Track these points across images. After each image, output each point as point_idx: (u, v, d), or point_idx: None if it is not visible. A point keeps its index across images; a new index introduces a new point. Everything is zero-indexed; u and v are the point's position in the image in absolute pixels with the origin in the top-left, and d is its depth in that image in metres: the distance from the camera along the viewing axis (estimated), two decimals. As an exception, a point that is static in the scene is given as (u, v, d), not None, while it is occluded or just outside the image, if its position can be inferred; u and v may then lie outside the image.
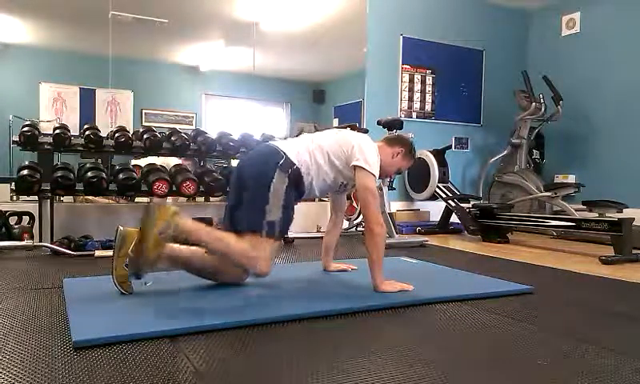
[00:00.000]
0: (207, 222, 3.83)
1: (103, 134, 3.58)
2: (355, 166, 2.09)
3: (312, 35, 5.57)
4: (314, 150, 2.11)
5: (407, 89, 5.36)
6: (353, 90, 5.43)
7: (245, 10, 5.21)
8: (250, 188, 2.00)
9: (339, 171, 2.14)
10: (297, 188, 2.06)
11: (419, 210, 5.26)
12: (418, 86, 5.43)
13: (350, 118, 5.23)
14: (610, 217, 3.50)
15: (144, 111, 4.98)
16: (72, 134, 3.39)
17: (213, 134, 3.83)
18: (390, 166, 2.28)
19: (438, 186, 4.81)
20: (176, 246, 1.98)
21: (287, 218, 2.01)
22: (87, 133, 3.41)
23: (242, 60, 5.37)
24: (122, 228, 1.91)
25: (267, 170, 1.99)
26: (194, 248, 1.99)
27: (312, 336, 1.57)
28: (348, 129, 2.53)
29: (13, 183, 3.31)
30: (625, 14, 5.01)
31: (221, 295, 1.96)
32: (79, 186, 3.21)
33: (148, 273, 1.88)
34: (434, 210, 5.09)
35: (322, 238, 2.62)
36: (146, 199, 3.76)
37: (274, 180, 1.96)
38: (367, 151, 2.12)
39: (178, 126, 4.34)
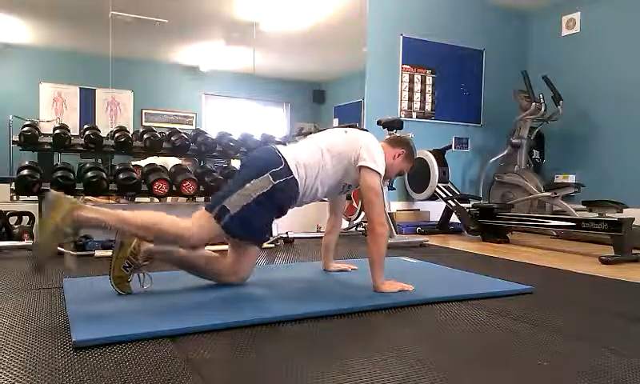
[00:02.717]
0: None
1: (103, 134, 3.58)
2: (361, 167, 2.09)
3: (312, 35, 5.57)
4: (323, 154, 2.11)
5: (407, 89, 5.36)
6: (353, 90, 5.43)
7: (245, 9, 5.21)
8: (239, 174, 2.08)
9: (347, 173, 2.14)
10: (277, 200, 2.01)
11: (419, 210, 5.26)
12: (418, 86, 5.43)
13: (350, 118, 5.23)
14: (610, 217, 3.50)
15: (144, 111, 4.98)
16: (72, 134, 3.39)
17: (213, 134, 3.83)
18: (391, 166, 2.27)
19: (438, 186, 4.81)
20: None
21: (245, 218, 1.95)
22: (87, 133, 3.41)
23: (242, 60, 5.37)
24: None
25: (263, 167, 2.00)
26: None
27: (312, 336, 1.57)
28: (351, 128, 2.52)
29: (13, 183, 3.31)
30: (625, 13, 5.01)
31: (221, 295, 1.96)
32: (79, 186, 3.21)
33: (47, 264, 1.80)
34: (434, 210, 5.09)
35: (321, 238, 2.62)
36: (146, 199, 3.76)
37: (261, 177, 1.96)
38: (374, 151, 2.12)
39: (178, 126, 4.34)
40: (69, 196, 1.81)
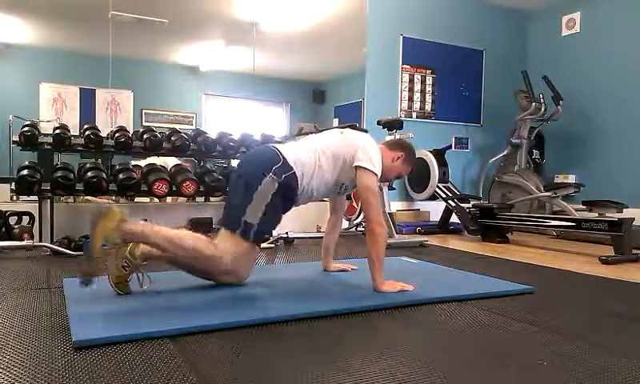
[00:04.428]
0: (207, 222, 3.85)
1: (103, 134, 3.58)
2: (357, 167, 2.10)
3: (312, 35, 5.57)
4: (319, 155, 2.12)
5: (407, 89, 5.36)
6: (353, 90, 5.43)
7: (245, 9, 5.21)
8: (240, 186, 2.03)
9: (344, 172, 2.14)
10: (285, 196, 2.05)
11: (419, 210, 5.26)
12: (417, 86, 5.43)
13: (350, 118, 5.23)
14: (610, 217, 3.50)
15: (144, 111, 4.99)
16: (72, 133, 3.39)
17: (213, 134, 3.83)
18: (389, 169, 2.26)
19: (438, 186, 4.81)
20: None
21: (267, 224, 2.03)
22: (87, 133, 3.40)
23: (242, 60, 5.38)
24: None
25: (260, 171, 2.01)
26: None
27: (312, 336, 1.57)
28: (348, 128, 2.52)
29: (13, 183, 3.31)
30: (625, 13, 5.01)
31: (221, 295, 1.96)
32: (79, 186, 3.21)
33: (95, 281, 1.81)
34: (434, 210, 5.09)
35: (321, 238, 2.62)
36: (146, 199, 3.76)
37: (263, 182, 1.98)
38: (370, 151, 2.13)
39: (178, 126, 4.34)
40: (118, 209, 1.86)
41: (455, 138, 5.54)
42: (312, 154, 2.12)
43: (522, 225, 4.19)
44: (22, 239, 3.10)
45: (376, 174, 2.11)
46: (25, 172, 3.07)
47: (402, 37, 5.29)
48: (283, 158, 2.04)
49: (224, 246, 1.99)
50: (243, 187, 2.02)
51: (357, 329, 1.67)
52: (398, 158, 2.27)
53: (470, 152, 5.70)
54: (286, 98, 5.88)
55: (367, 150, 2.12)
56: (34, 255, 2.96)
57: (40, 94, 4.52)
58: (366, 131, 4.06)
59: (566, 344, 1.54)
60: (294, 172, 2.04)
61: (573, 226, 3.75)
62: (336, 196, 2.42)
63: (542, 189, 4.78)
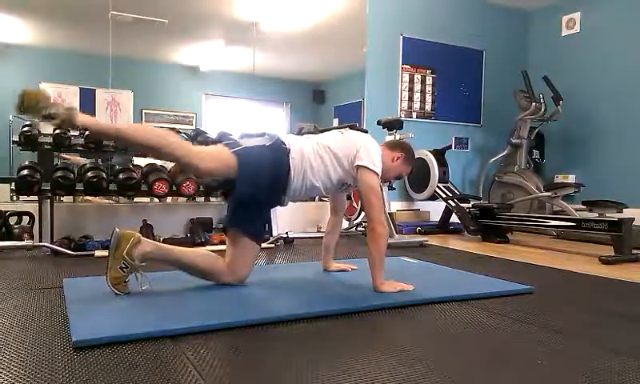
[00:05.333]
0: (206, 222, 3.85)
1: (103, 134, 3.57)
2: (359, 166, 2.10)
3: (312, 35, 5.57)
4: (318, 149, 2.12)
5: (407, 89, 5.36)
6: (353, 90, 5.43)
7: (245, 9, 5.21)
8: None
9: (344, 172, 2.14)
10: (275, 158, 2.07)
11: (419, 210, 5.26)
12: (417, 86, 5.43)
13: (350, 118, 5.23)
14: (610, 217, 3.50)
15: (144, 111, 4.98)
16: (72, 134, 3.39)
17: (213, 134, 3.83)
18: (389, 170, 2.27)
19: (438, 186, 4.81)
20: (165, 246, 2.04)
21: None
22: (87, 133, 3.40)
23: (242, 60, 5.37)
24: (117, 230, 1.91)
25: (254, 149, 2.05)
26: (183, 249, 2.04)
27: (312, 336, 1.57)
28: (347, 128, 2.52)
29: (13, 183, 3.31)
30: (625, 14, 5.01)
31: (221, 295, 1.96)
32: (79, 186, 3.21)
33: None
34: (434, 210, 5.09)
35: (321, 238, 2.62)
36: (146, 199, 3.76)
37: (255, 151, 2.05)
38: (372, 151, 2.13)
39: (177, 126, 4.34)
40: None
41: (455, 138, 5.54)
42: (314, 148, 2.13)
43: (522, 225, 4.19)
44: (21, 239, 3.11)
45: (377, 174, 2.11)
46: (25, 172, 3.07)
47: (401, 37, 5.29)
48: (278, 136, 2.11)
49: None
50: (246, 197, 2.03)
51: (357, 329, 1.67)
52: (398, 158, 2.27)
53: (469, 152, 5.70)
54: (286, 98, 5.88)
55: (369, 149, 2.13)
56: (33, 255, 2.96)
57: (40, 94, 4.51)
58: (365, 131, 4.07)
59: (566, 344, 1.54)
60: (287, 147, 2.08)
61: (573, 225, 3.75)
62: (336, 195, 2.43)
63: (542, 189, 4.78)
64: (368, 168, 2.08)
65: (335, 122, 5.53)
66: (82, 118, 1.87)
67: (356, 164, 2.10)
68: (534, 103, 5.05)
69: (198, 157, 1.97)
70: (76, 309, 1.70)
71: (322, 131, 2.57)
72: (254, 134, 2.19)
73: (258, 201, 2.04)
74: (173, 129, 3.20)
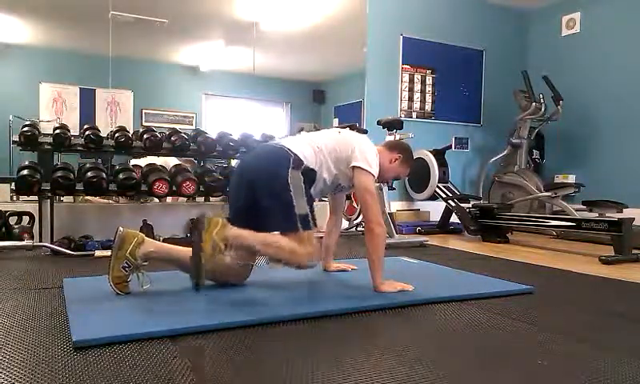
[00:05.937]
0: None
1: (103, 134, 3.57)
2: (354, 167, 2.09)
3: (312, 35, 5.57)
4: (317, 152, 2.11)
5: (407, 89, 5.36)
6: (353, 90, 5.43)
7: (245, 9, 5.21)
8: (268, 191, 1.96)
9: (341, 172, 2.14)
10: (310, 183, 2.05)
11: (419, 210, 5.26)
12: (417, 86, 5.43)
13: (350, 118, 5.23)
14: (610, 217, 3.50)
15: (144, 111, 4.99)
16: (72, 133, 3.39)
17: (213, 134, 3.83)
18: (387, 170, 2.26)
19: (438, 186, 4.81)
20: (166, 245, 2.03)
21: (312, 208, 2.00)
22: (87, 133, 3.40)
23: (242, 60, 5.38)
24: (121, 229, 1.91)
25: (280, 169, 1.96)
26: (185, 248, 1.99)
27: (312, 336, 1.57)
28: (347, 129, 2.52)
29: (13, 183, 3.31)
30: (625, 14, 5.01)
31: (221, 295, 1.96)
32: (79, 186, 3.21)
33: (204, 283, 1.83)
34: (434, 210, 5.09)
35: (321, 238, 2.62)
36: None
37: (289, 178, 1.94)
38: (367, 152, 2.12)
39: (178, 126, 4.34)
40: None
41: (455, 137, 5.53)
42: (312, 150, 2.09)
43: (522, 225, 4.19)
44: (21, 239, 3.10)
45: (373, 175, 2.11)
46: (25, 172, 3.07)
47: (401, 37, 5.29)
48: (293, 152, 2.02)
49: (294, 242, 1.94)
50: (276, 191, 1.95)
51: (357, 329, 1.67)
52: (396, 159, 2.27)
53: (469, 152, 5.70)
54: (286, 98, 5.88)
55: (364, 150, 2.12)
56: (34, 255, 2.96)
57: (40, 94, 4.52)
58: (365, 131, 4.08)
59: (566, 344, 1.54)
60: (306, 164, 2.03)
61: (573, 225, 3.75)
62: (335, 195, 2.43)
63: (542, 189, 4.78)
64: (363, 169, 2.08)
65: (335, 122, 5.54)
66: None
67: (352, 165, 2.10)
68: (534, 103, 5.05)
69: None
70: (76, 309, 1.70)
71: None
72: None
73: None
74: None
